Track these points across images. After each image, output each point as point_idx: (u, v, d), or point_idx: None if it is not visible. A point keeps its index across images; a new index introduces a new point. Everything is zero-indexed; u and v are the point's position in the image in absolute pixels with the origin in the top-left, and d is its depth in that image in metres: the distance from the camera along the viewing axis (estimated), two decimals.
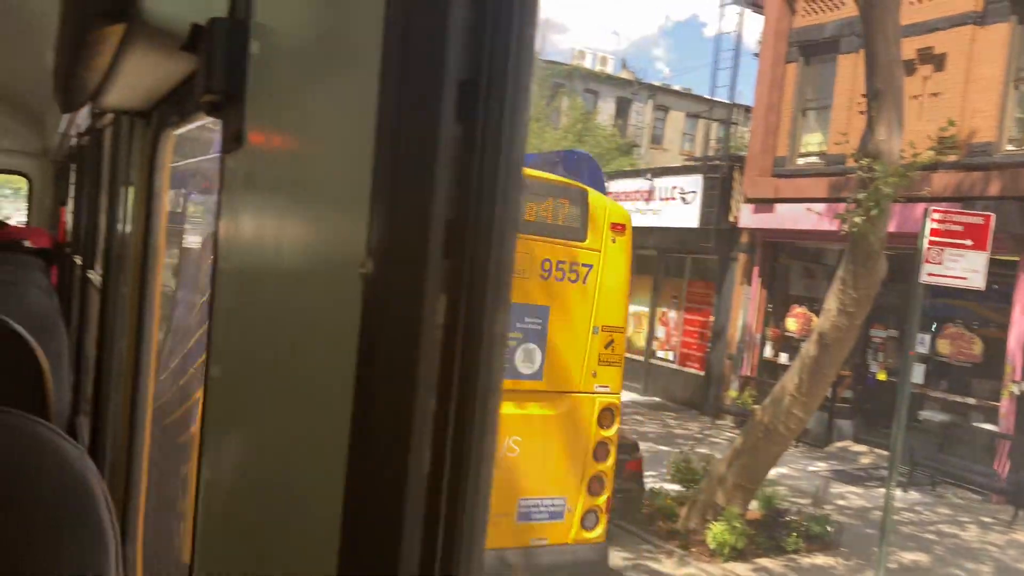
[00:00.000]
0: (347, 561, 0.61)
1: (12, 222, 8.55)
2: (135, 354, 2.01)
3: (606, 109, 40.02)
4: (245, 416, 0.97)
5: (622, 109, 41.21)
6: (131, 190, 2.07)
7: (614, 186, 22.11)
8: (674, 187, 20.08)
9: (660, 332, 21.79)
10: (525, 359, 5.47)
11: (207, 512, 1.08)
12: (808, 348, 10.37)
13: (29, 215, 5.98)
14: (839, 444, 16.68)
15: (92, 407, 2.22)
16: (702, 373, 20.01)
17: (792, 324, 17.91)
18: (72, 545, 0.93)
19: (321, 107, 0.78)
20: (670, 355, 21.37)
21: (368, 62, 0.63)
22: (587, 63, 40.85)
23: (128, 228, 2.07)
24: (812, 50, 18.18)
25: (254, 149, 0.95)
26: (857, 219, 9.49)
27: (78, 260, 3.96)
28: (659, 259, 21.53)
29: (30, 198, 5.97)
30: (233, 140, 0.99)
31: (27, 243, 4.71)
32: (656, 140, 41.87)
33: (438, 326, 0.56)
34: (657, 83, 42.92)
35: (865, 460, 15.91)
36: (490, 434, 0.59)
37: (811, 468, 15.10)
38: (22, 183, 7.29)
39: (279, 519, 0.83)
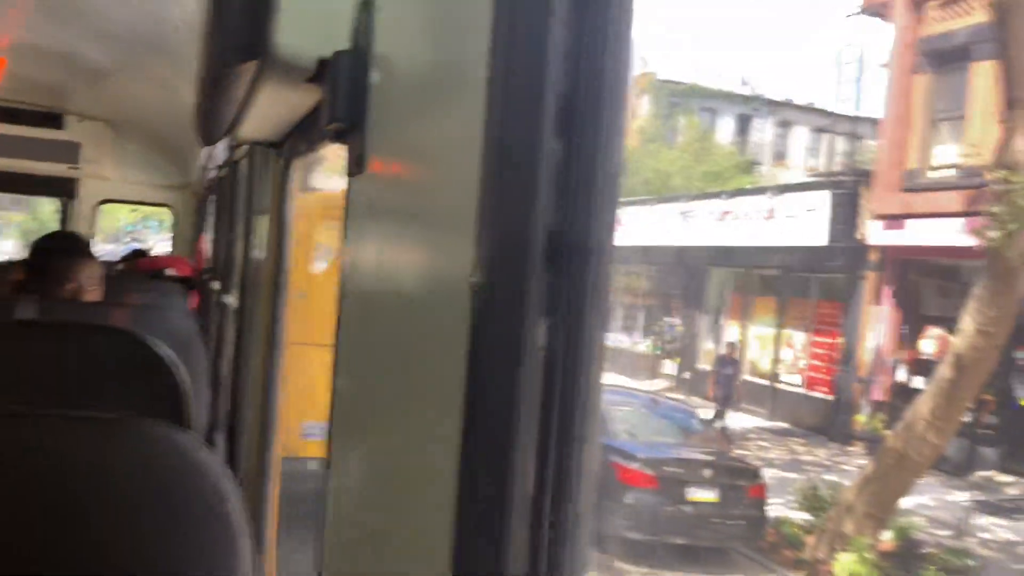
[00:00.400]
0: (459, 566, 0.65)
1: (155, 251, 9.10)
2: (267, 373, 2.12)
3: (725, 126, 39.37)
4: (367, 426, 1.02)
5: (742, 126, 40.43)
6: (264, 218, 2.19)
7: (733, 205, 21.69)
8: (798, 204, 19.53)
9: (786, 355, 21.15)
10: None
11: (335, 516, 1.14)
12: (943, 370, 9.88)
13: (173, 245, 6.35)
14: (982, 473, 15.74)
15: (228, 422, 2.35)
16: (831, 397, 19.28)
17: (928, 345, 17.07)
18: (209, 550, 0.99)
19: (435, 128, 0.83)
20: (796, 379, 20.69)
21: (476, 85, 0.67)
22: (704, 80, 40.34)
23: (261, 254, 2.19)
24: (943, 59, 17.41)
25: (375, 172, 1.01)
26: (994, 234, 9.03)
27: (216, 286, 4.19)
28: (784, 279, 20.94)
29: (173, 228, 6.34)
30: (356, 164, 1.05)
31: (170, 271, 5.02)
32: (779, 156, 40.86)
33: (541, 332, 0.59)
34: (778, 98, 41.94)
35: (1012, 490, 14.95)
36: (591, 445, 0.62)
37: (951, 498, 14.30)
38: (165, 215, 7.77)
39: (398, 524, 0.87)
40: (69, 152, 5.81)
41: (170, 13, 3.25)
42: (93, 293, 2.78)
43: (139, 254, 6.11)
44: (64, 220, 6.10)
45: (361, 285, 1.06)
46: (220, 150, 3.73)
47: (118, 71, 4.44)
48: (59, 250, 2.81)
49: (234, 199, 3.37)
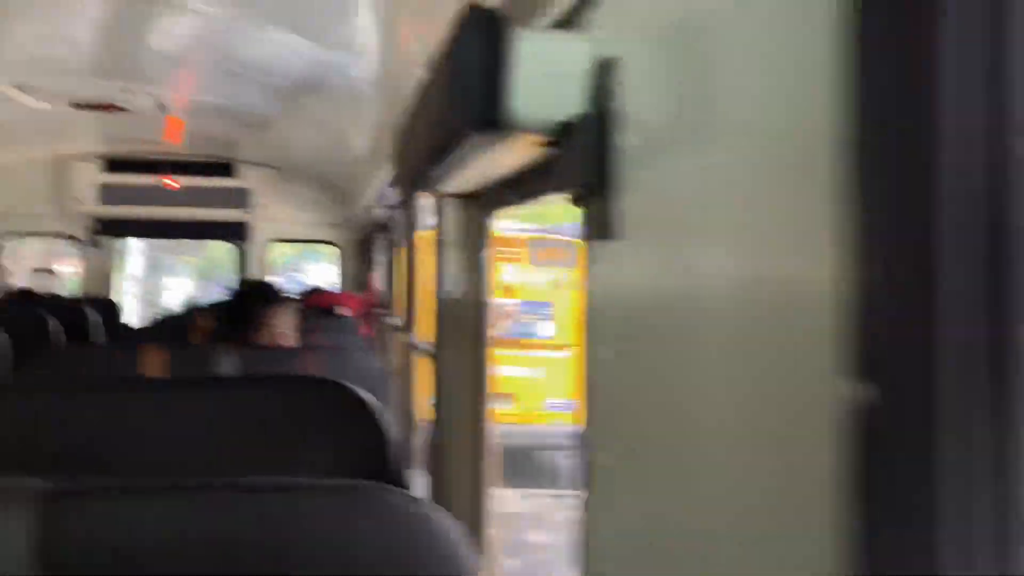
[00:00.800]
0: None
1: (314, 282, 9.38)
2: (475, 412, 2.11)
3: None
4: (641, 519, 0.92)
5: None
6: (456, 260, 2.19)
7: None
8: None
9: None
10: (544, 328, 9.51)
11: None
12: None
13: (341, 281, 6.58)
14: None
15: (431, 466, 2.36)
16: None
17: None
18: None
19: (701, 199, 0.76)
20: None
21: (752, 153, 0.61)
22: None
23: (457, 295, 2.19)
24: None
25: (621, 238, 0.95)
26: None
27: (393, 322, 4.27)
28: None
29: (341, 265, 6.58)
30: (598, 228, 1.00)
31: (341, 308, 5.16)
32: None
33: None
34: None
35: None
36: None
37: None
38: (321, 248, 8.05)
39: None
40: (240, 198, 6.19)
41: (333, 62, 3.34)
42: (290, 338, 2.87)
43: (314, 291, 6.33)
44: (241, 262, 6.45)
45: (612, 355, 1.01)
46: (389, 189, 3.79)
47: (283, 119, 4.64)
48: (259, 297, 2.91)
49: (411, 239, 3.41)
